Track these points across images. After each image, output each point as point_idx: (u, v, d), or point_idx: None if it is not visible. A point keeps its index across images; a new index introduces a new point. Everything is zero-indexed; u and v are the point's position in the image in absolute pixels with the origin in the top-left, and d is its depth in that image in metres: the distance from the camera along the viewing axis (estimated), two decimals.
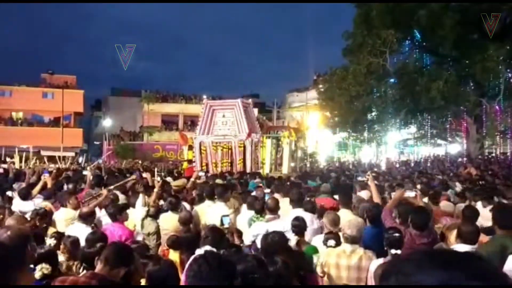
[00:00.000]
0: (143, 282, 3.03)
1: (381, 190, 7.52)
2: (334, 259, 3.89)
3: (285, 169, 14.87)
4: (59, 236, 4.50)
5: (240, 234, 5.24)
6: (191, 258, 3.00)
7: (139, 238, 5.82)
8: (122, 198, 6.98)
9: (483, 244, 3.96)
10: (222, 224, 4.90)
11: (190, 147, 17.01)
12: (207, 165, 15.31)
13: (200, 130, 15.94)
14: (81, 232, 4.68)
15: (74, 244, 4.28)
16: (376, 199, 5.83)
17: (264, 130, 15.48)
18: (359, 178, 9.74)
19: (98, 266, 2.74)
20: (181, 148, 32.60)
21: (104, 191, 6.29)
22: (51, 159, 22.96)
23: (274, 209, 5.35)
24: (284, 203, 6.01)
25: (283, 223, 5.06)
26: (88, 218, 5.05)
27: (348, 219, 4.55)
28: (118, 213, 5.24)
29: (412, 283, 0.77)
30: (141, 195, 6.43)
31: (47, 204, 6.17)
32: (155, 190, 6.51)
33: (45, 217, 5.27)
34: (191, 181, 8.60)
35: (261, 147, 15.49)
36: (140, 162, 27.55)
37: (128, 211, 5.65)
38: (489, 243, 4.01)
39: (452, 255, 0.83)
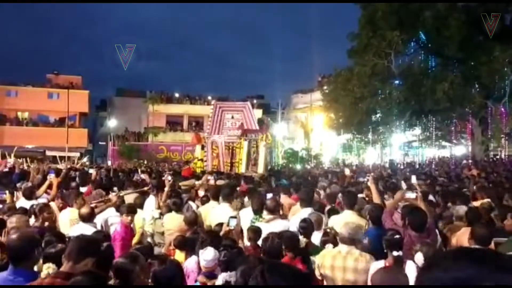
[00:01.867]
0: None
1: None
2: (329, 260, 3.82)
3: (260, 169, 15.25)
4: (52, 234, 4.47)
5: (258, 233, 4.77)
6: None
7: (148, 239, 5.86)
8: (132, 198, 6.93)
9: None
10: (228, 225, 4.83)
11: (203, 147, 17.32)
12: (218, 164, 15.75)
13: (211, 130, 16.48)
14: (85, 232, 4.72)
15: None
16: (377, 200, 5.73)
17: (242, 132, 16.11)
18: (360, 179, 9.80)
19: (64, 264, 2.75)
20: (186, 149, 32.81)
21: (114, 197, 6.18)
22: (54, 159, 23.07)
23: (274, 210, 5.20)
24: None
25: (284, 223, 4.99)
26: (89, 218, 5.02)
27: (351, 221, 4.53)
28: (124, 213, 5.25)
29: (450, 277, 0.84)
30: (153, 198, 6.34)
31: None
32: (165, 189, 6.56)
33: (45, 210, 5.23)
34: (201, 184, 8.67)
35: (239, 148, 16.01)
36: (145, 162, 27.70)
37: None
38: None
39: (484, 252, 0.91)
